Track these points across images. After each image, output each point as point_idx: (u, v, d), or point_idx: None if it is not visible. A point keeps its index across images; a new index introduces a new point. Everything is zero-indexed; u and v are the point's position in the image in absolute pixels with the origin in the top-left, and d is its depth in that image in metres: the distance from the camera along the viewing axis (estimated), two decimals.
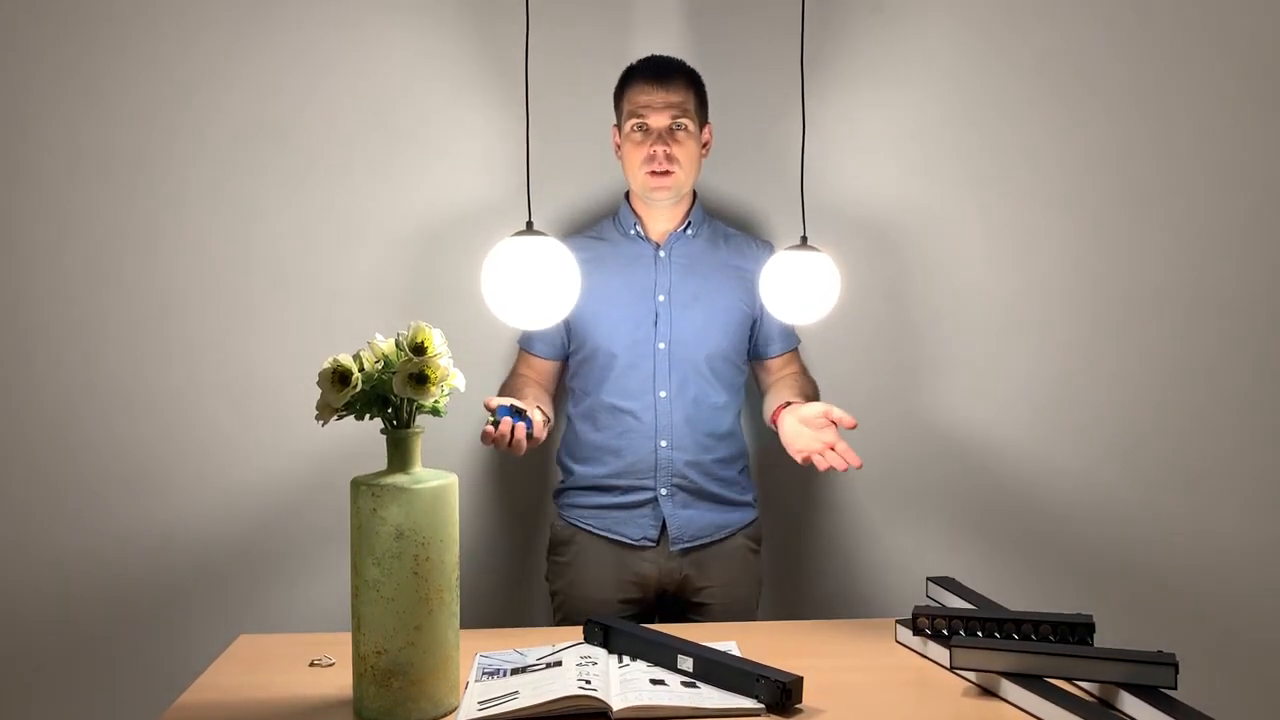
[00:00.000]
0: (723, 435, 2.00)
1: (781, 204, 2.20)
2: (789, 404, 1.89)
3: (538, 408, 1.86)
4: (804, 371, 2.10)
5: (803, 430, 1.83)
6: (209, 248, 2.19)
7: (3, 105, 2.15)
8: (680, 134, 1.93)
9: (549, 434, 1.91)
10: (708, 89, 2.03)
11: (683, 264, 2.00)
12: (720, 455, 2.00)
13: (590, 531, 2.01)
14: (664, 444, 1.96)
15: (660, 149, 1.91)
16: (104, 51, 2.14)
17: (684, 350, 1.97)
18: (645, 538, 1.97)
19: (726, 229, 2.09)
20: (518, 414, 1.75)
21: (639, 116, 1.92)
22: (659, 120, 1.92)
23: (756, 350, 2.07)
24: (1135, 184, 2.24)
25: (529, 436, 1.75)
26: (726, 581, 2.00)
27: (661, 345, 1.97)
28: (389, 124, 2.19)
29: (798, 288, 1.80)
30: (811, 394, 2.02)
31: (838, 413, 1.77)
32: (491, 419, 1.74)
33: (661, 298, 1.98)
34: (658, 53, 2.04)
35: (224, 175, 2.18)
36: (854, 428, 1.77)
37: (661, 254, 2.01)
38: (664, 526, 1.97)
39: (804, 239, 1.82)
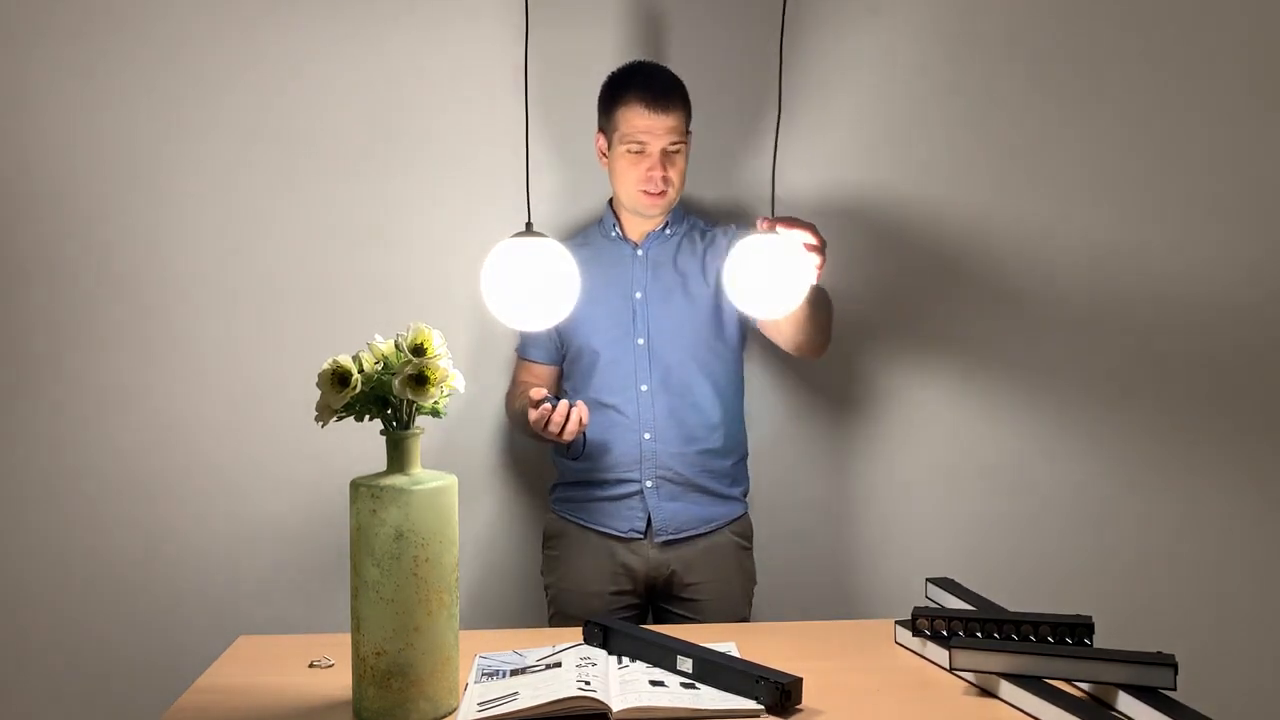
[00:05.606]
0: (712, 426, 2.02)
1: (767, 200, 2.20)
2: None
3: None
4: None
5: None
6: (209, 249, 2.19)
7: (4, 106, 2.15)
8: (676, 155, 1.96)
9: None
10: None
11: (658, 261, 2.04)
12: (708, 447, 2.01)
13: (580, 524, 2.04)
14: (647, 437, 1.99)
15: (659, 173, 1.94)
16: (104, 55, 2.15)
17: (663, 345, 2.00)
18: (632, 530, 2.00)
19: (703, 224, 2.10)
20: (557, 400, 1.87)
21: (637, 141, 1.94)
22: (657, 144, 1.94)
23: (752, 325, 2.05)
24: (1123, 182, 2.24)
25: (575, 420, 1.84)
26: (714, 577, 2.02)
27: (640, 341, 2.00)
28: (389, 126, 2.20)
29: (763, 277, 1.66)
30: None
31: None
32: (538, 402, 1.83)
33: (638, 295, 2.02)
34: (651, 58, 2.05)
35: (224, 177, 2.18)
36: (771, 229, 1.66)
37: (639, 253, 2.04)
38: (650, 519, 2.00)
39: (773, 227, 1.68)
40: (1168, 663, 1.39)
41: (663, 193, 1.95)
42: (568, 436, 1.85)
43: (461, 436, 2.22)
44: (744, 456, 2.11)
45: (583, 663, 1.51)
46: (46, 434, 2.19)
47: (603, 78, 2.02)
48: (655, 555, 2.00)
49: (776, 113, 1.74)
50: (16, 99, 2.15)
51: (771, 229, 1.65)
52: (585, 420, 1.87)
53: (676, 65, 2.06)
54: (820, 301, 1.94)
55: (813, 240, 1.69)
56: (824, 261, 1.71)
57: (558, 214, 2.20)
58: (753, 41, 2.19)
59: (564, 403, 1.85)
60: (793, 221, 1.69)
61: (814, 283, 1.72)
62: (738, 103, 2.20)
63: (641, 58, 2.07)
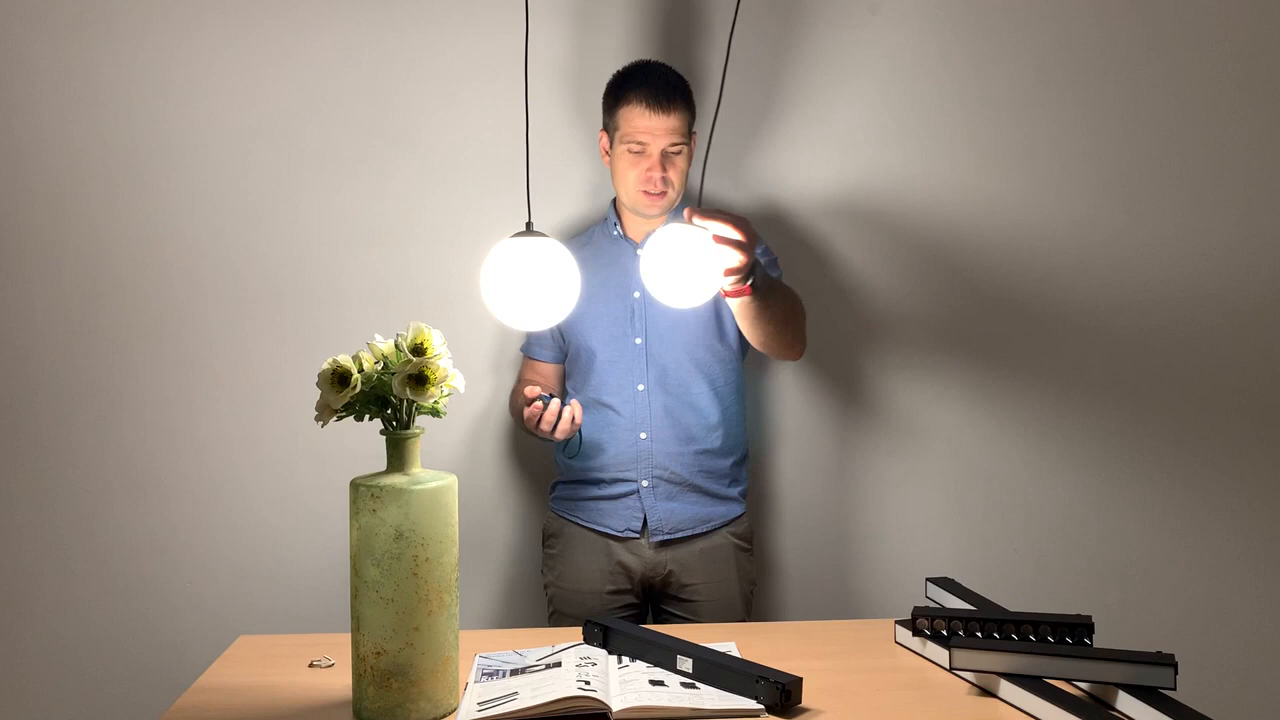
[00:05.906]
0: (710, 427, 2.02)
1: (769, 201, 2.20)
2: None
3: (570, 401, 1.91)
4: None
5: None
6: (208, 250, 2.19)
7: (4, 106, 2.14)
8: (676, 156, 1.95)
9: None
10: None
11: None
12: (706, 447, 2.02)
13: (578, 523, 2.04)
14: (643, 436, 1.99)
15: (658, 174, 1.93)
16: (100, 53, 2.14)
17: (661, 344, 2.00)
18: (628, 529, 2.01)
19: None
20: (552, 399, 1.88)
21: (637, 141, 1.93)
22: (658, 145, 1.93)
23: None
24: (1125, 182, 2.24)
25: (569, 419, 1.86)
26: (711, 578, 2.02)
27: (638, 340, 2.00)
28: (389, 125, 2.20)
29: (669, 267, 1.63)
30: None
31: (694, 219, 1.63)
32: (532, 400, 1.85)
33: (637, 294, 2.01)
34: (655, 57, 2.04)
35: (223, 177, 2.18)
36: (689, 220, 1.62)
37: (639, 252, 2.03)
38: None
39: (691, 219, 1.64)
40: (1168, 663, 1.39)
41: (662, 193, 1.95)
42: (560, 435, 1.87)
43: (462, 436, 2.22)
44: (743, 457, 2.11)
45: (583, 662, 1.51)
46: (45, 433, 2.19)
47: (607, 77, 2.02)
48: (652, 555, 2.01)
49: (715, 108, 1.69)
50: (16, 99, 2.14)
51: (689, 220, 1.61)
52: (578, 419, 1.88)
53: (680, 64, 2.06)
54: (778, 300, 1.86)
55: (734, 235, 1.62)
56: (746, 259, 1.64)
57: (561, 213, 2.20)
58: (758, 40, 2.19)
59: (556, 401, 1.86)
60: (715, 214, 1.62)
61: (726, 277, 1.64)
62: (741, 101, 2.20)
63: (646, 57, 2.06)
